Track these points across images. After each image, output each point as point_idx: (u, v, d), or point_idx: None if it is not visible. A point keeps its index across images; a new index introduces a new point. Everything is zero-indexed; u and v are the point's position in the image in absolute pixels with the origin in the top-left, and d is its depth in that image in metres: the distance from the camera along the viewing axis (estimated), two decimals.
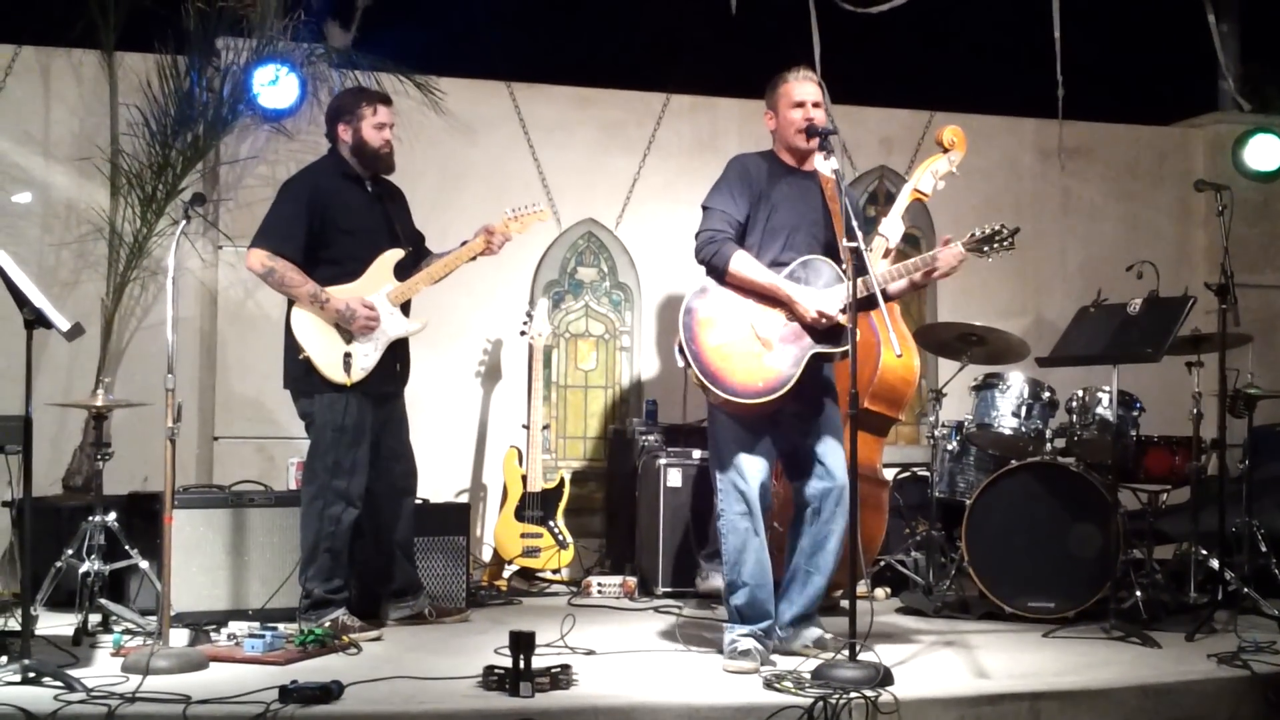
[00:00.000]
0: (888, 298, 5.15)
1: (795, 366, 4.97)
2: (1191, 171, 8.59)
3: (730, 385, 4.98)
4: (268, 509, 6.07)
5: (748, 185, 5.18)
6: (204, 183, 7.36)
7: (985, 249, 5.11)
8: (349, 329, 5.67)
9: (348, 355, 5.66)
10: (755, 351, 5.01)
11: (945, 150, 5.70)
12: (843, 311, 4.89)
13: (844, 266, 4.86)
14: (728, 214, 5.14)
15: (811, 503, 5.17)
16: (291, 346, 5.70)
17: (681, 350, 5.04)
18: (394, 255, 5.84)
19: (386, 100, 5.97)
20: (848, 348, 4.85)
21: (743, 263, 5.06)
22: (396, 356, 5.84)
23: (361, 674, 4.61)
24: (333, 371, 5.64)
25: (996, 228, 5.09)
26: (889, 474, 6.83)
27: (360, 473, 5.71)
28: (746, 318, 5.05)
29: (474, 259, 5.96)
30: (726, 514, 5.13)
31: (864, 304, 4.84)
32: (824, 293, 5.00)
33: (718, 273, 5.10)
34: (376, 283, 5.78)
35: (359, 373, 5.67)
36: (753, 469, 5.08)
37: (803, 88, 5.21)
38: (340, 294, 5.68)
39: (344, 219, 5.78)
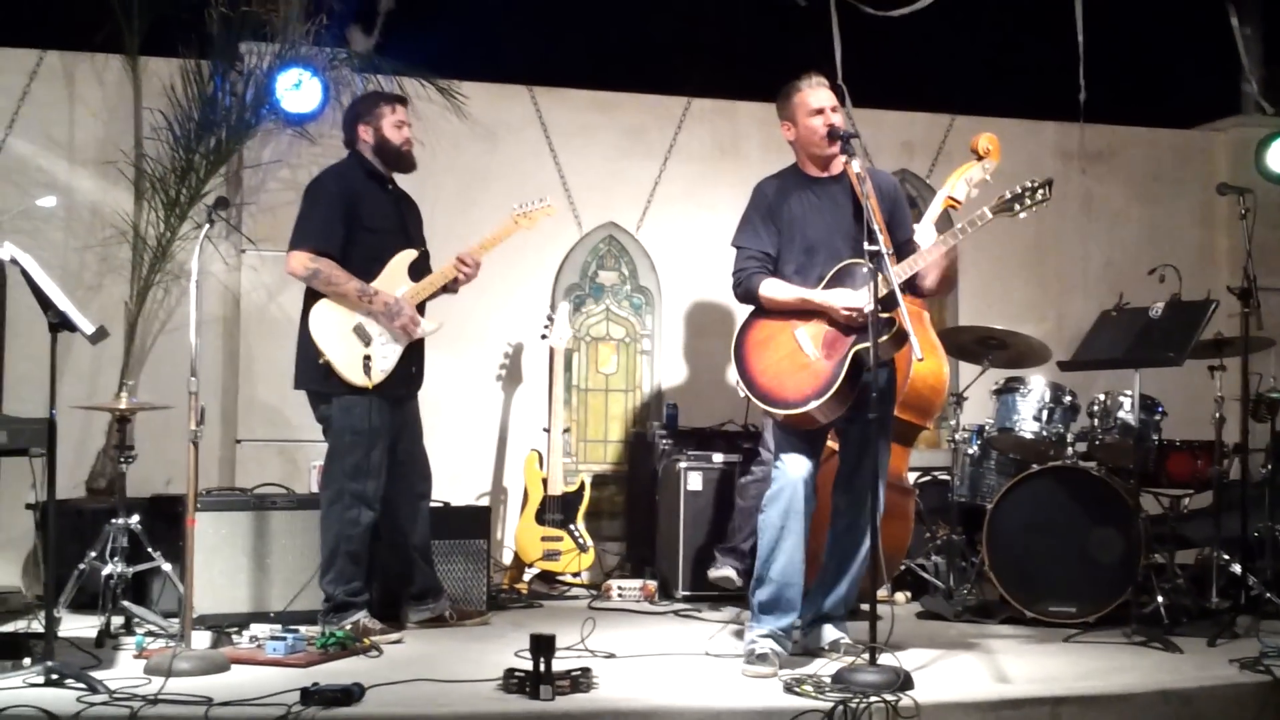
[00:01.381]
0: (924, 293, 5.17)
1: (840, 366, 4.97)
2: (1214, 175, 8.55)
3: (784, 399, 5.01)
4: (290, 512, 6.09)
5: (769, 214, 5.23)
6: (227, 187, 7.40)
7: (1016, 207, 5.01)
8: (389, 327, 5.69)
9: (367, 358, 5.68)
10: (804, 362, 5.04)
11: (980, 158, 5.65)
12: (878, 308, 4.85)
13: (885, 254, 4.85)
14: (754, 249, 5.21)
15: (845, 512, 5.19)
16: (308, 349, 5.72)
17: (739, 381, 5.12)
18: (408, 256, 5.86)
19: (403, 100, 6.04)
20: (885, 337, 4.84)
21: (771, 288, 5.14)
22: (412, 359, 5.85)
23: (382, 676, 4.62)
24: (353, 374, 5.65)
25: (1027, 184, 5.01)
26: (909, 478, 6.82)
27: (379, 476, 5.72)
28: (791, 333, 5.09)
29: (450, 288, 5.94)
30: (766, 508, 5.16)
31: (887, 302, 4.83)
32: (858, 292, 5.00)
33: (755, 304, 5.20)
34: (393, 283, 5.80)
35: (379, 375, 5.68)
36: (796, 467, 5.09)
37: (818, 94, 5.20)
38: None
39: (369, 218, 5.81)
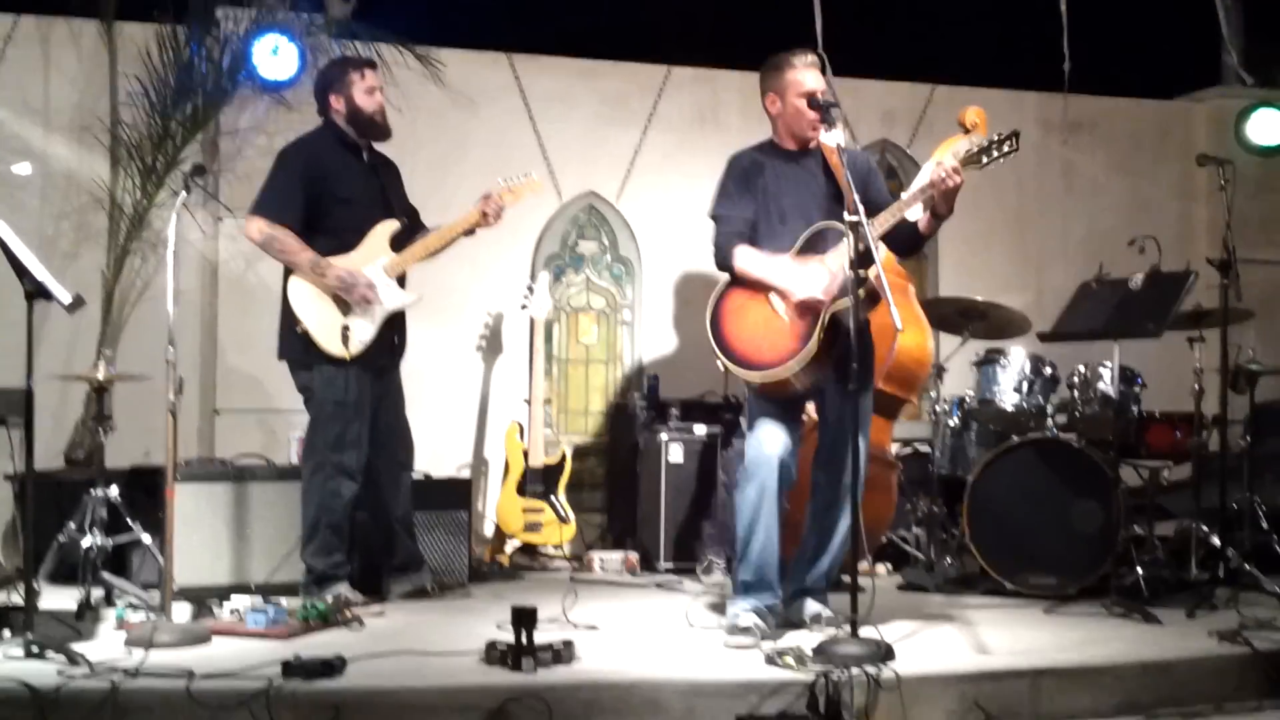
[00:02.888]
0: (922, 238, 5.13)
1: (814, 326, 4.93)
2: (1194, 146, 8.53)
3: (761, 362, 4.99)
4: (269, 483, 6.07)
5: (746, 183, 5.19)
6: (204, 154, 7.34)
7: (984, 159, 4.93)
8: (348, 299, 5.65)
9: (346, 328, 5.64)
10: (779, 326, 5.01)
11: (967, 131, 5.61)
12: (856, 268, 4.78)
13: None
14: (733, 217, 5.17)
15: (826, 486, 5.19)
16: (288, 318, 5.68)
17: (714, 350, 5.07)
18: (389, 226, 5.81)
19: (372, 65, 5.93)
20: (861, 295, 4.79)
21: (745, 258, 5.10)
22: (393, 329, 5.82)
23: (364, 649, 4.61)
24: (331, 345, 5.62)
25: (993, 137, 4.93)
26: (892, 450, 6.83)
27: (360, 447, 5.70)
28: (767, 297, 5.05)
29: (471, 232, 5.91)
30: (742, 485, 5.15)
31: (864, 260, 4.76)
32: (820, 277, 4.95)
33: (732, 273, 5.15)
34: (372, 254, 5.76)
35: (357, 346, 5.65)
36: (772, 441, 5.08)
37: (811, 75, 5.15)
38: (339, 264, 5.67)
39: (340, 188, 5.75)
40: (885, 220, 4.95)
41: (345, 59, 6.23)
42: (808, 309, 4.96)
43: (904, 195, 5.06)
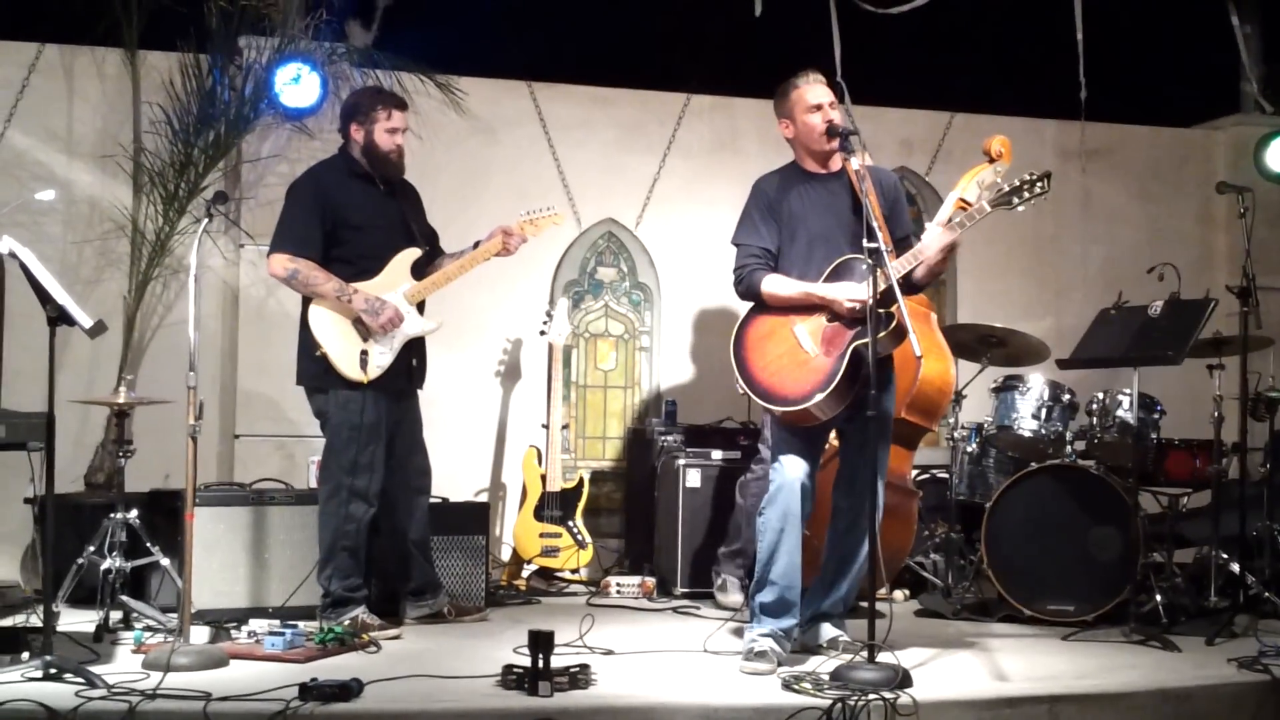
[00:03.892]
0: (916, 285, 5.15)
1: (839, 362, 4.95)
2: (1213, 174, 8.56)
3: (784, 396, 5.00)
4: (288, 507, 6.09)
5: (769, 210, 5.22)
6: (226, 181, 7.38)
7: (1015, 200, 5.00)
8: (372, 325, 5.68)
9: (364, 353, 5.67)
10: (803, 359, 5.03)
11: (992, 161, 5.63)
12: (877, 303, 4.83)
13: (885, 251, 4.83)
14: (754, 245, 5.20)
15: (846, 512, 5.19)
16: (307, 343, 5.71)
17: (738, 378, 5.09)
18: (411, 254, 5.85)
19: (402, 105, 5.95)
20: (883, 333, 4.84)
21: (773, 284, 5.13)
22: (411, 354, 5.85)
23: (381, 672, 4.62)
24: (349, 369, 5.65)
25: (1025, 177, 5.00)
26: (912, 478, 6.82)
27: (376, 471, 5.72)
28: (791, 329, 5.08)
29: (489, 259, 5.97)
30: (765, 510, 5.15)
31: (885, 297, 4.81)
32: (861, 285, 4.98)
33: (757, 300, 5.17)
34: (394, 281, 5.79)
35: (375, 370, 5.68)
36: (794, 468, 5.09)
37: (815, 90, 5.20)
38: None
39: (354, 216, 5.78)
40: (902, 267, 4.98)
41: (379, 92, 6.27)
42: (839, 335, 4.97)
43: (923, 242, 5.07)
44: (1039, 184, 4.99)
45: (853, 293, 4.97)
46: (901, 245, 5.15)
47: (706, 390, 7.77)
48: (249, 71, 7.31)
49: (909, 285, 5.08)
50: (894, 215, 5.22)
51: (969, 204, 5.58)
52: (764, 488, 5.28)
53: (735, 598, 6.50)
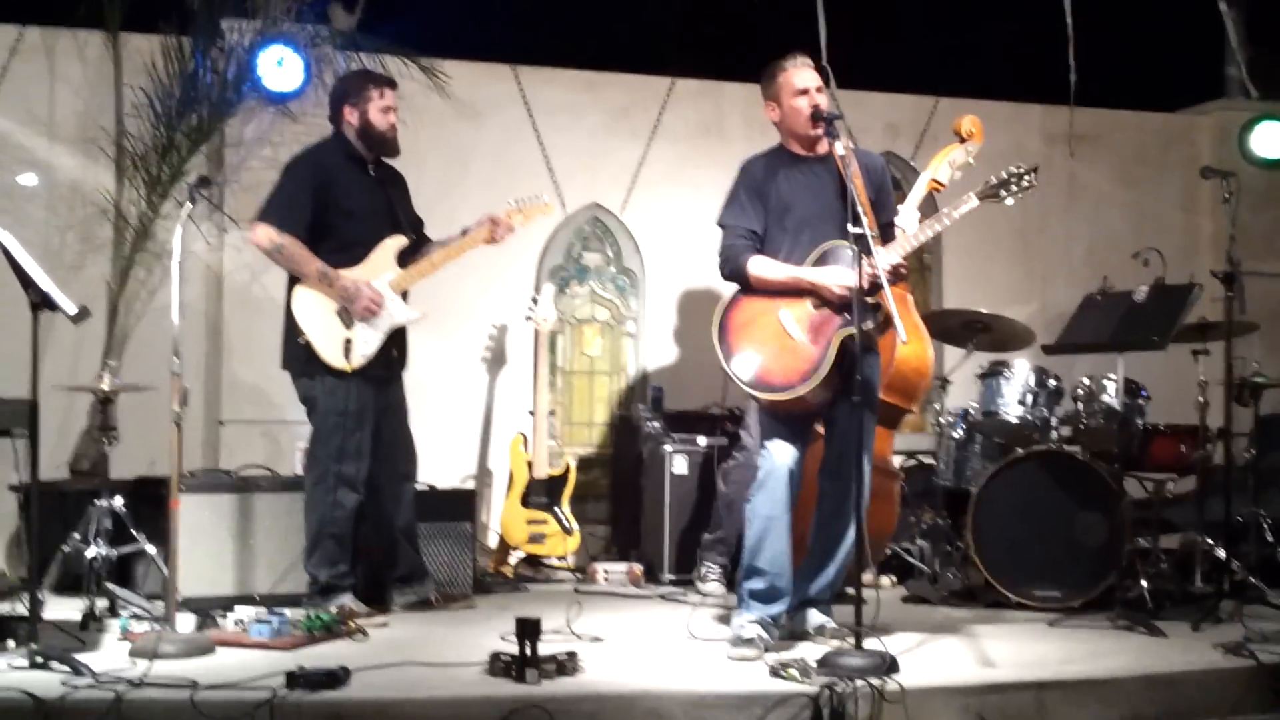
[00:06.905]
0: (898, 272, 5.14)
1: (826, 350, 4.94)
2: (1198, 158, 8.57)
3: (770, 383, 4.99)
4: (274, 494, 6.07)
5: (756, 192, 5.20)
6: (209, 165, 7.34)
7: (1003, 193, 5.02)
8: (351, 310, 5.65)
9: (348, 341, 5.66)
10: (790, 345, 5.01)
11: (963, 140, 5.66)
12: (864, 292, 4.83)
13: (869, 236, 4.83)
14: (740, 226, 5.18)
15: (831, 496, 5.18)
16: (291, 328, 5.69)
17: (724, 367, 5.06)
18: (397, 242, 5.83)
19: (392, 84, 5.96)
20: (871, 324, 4.84)
21: (760, 265, 5.10)
22: (392, 342, 5.82)
23: (368, 660, 4.61)
24: (333, 357, 5.63)
25: (1013, 170, 5.01)
26: (894, 461, 6.82)
27: (362, 458, 5.71)
28: (776, 315, 5.06)
29: (476, 247, 5.95)
30: (753, 497, 5.15)
31: (872, 285, 4.81)
32: (850, 270, 4.97)
33: (743, 282, 5.14)
34: (379, 268, 5.77)
35: (359, 359, 5.66)
36: (781, 455, 5.08)
37: (802, 74, 5.18)
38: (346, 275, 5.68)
39: (346, 200, 5.77)
40: (896, 253, 4.99)
41: (367, 73, 6.26)
42: (826, 323, 4.96)
43: (910, 233, 5.10)
44: (1026, 178, 5.01)
45: (842, 279, 4.96)
46: (886, 231, 5.14)
47: (693, 376, 7.75)
48: (232, 54, 7.27)
49: (894, 273, 5.09)
50: (880, 199, 5.21)
51: (941, 184, 5.63)
52: (745, 475, 5.28)
53: (715, 587, 6.51)
